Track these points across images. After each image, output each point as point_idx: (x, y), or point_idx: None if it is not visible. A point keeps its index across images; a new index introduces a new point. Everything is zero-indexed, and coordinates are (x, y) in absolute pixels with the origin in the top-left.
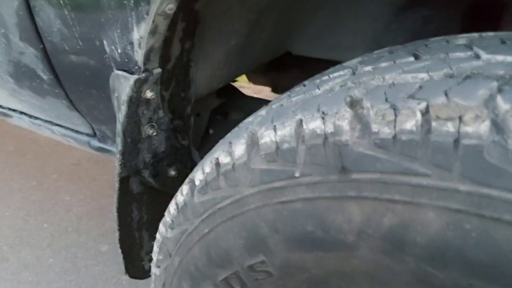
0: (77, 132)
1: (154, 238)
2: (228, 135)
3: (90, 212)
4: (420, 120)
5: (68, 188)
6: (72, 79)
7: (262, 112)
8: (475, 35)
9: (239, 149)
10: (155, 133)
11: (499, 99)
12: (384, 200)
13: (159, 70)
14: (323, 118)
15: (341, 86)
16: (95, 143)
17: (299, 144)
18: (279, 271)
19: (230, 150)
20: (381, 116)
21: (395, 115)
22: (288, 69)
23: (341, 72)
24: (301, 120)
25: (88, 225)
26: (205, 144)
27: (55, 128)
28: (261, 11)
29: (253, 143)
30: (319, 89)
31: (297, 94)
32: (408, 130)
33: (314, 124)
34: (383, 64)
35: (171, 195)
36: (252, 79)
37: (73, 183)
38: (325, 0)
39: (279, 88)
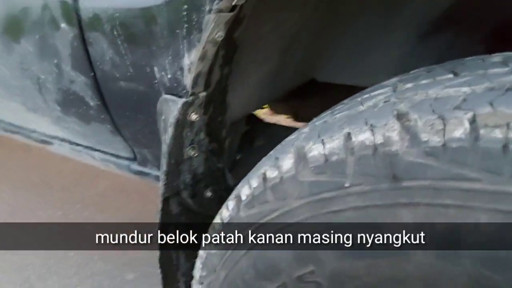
0: (117, 156)
1: (190, 259)
2: (272, 152)
3: None
4: (468, 128)
5: (93, 217)
6: (119, 105)
7: (305, 129)
8: (509, 53)
9: (287, 163)
10: (196, 155)
11: None
12: (436, 205)
13: (204, 93)
14: (372, 130)
15: (385, 102)
16: (135, 166)
17: (348, 156)
18: (328, 281)
19: (278, 165)
20: (430, 126)
21: (444, 125)
22: (309, 98)
23: (382, 90)
24: (349, 133)
25: (113, 253)
26: (233, 169)
27: (96, 153)
28: (292, 39)
29: (300, 157)
30: (362, 105)
31: (340, 111)
32: (457, 138)
33: (363, 136)
34: (424, 81)
35: (204, 217)
36: (275, 109)
37: (98, 213)
38: (352, 27)
39: (300, 117)
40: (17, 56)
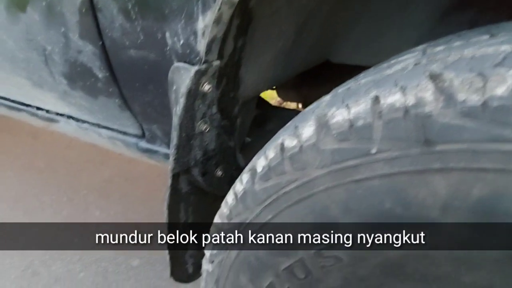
0: (125, 134)
1: (199, 240)
2: (291, 122)
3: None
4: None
5: (99, 203)
6: (128, 76)
7: (326, 97)
8: None
9: (307, 131)
10: (207, 130)
11: None
12: (473, 170)
13: (218, 62)
14: (402, 92)
15: (415, 64)
16: (143, 144)
17: (376, 120)
18: (349, 256)
19: (297, 133)
20: (468, 84)
21: (484, 83)
22: (320, 85)
23: (410, 55)
24: (377, 96)
25: None
26: (243, 151)
27: (103, 131)
28: (308, 14)
29: (322, 124)
30: (390, 69)
31: (366, 77)
32: (499, 96)
33: (392, 98)
34: (457, 43)
35: (214, 198)
36: (283, 95)
37: (104, 199)
38: (369, 5)
39: (309, 104)
40: (23, 25)
